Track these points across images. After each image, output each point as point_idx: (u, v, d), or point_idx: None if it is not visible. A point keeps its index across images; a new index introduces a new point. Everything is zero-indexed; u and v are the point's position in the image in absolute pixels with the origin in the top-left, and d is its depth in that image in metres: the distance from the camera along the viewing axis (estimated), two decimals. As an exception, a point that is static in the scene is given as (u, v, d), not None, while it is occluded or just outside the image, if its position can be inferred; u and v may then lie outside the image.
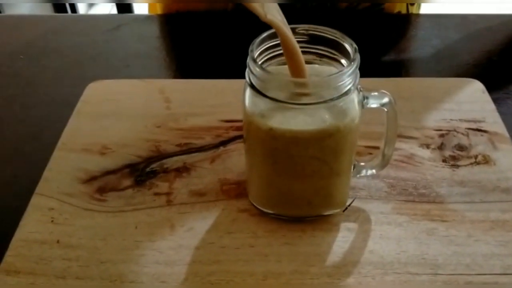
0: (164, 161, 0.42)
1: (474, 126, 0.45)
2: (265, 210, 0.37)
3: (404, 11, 0.66)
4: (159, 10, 0.68)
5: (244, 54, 0.32)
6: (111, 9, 1.96)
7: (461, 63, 0.56)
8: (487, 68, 0.55)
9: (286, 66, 0.33)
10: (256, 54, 0.32)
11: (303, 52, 0.32)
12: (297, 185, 0.35)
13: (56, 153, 0.43)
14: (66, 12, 1.68)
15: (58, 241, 0.36)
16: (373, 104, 0.34)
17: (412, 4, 0.65)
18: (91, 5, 2.01)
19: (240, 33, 0.59)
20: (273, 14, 0.29)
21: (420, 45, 0.60)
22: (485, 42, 0.59)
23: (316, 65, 0.34)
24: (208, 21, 0.63)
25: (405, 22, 0.63)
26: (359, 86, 0.33)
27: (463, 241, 0.36)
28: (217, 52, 0.58)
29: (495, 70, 0.55)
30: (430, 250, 0.35)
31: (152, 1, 0.68)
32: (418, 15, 0.66)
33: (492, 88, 0.49)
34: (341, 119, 0.32)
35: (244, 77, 0.33)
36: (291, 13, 0.61)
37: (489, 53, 0.58)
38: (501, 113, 0.46)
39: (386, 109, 0.35)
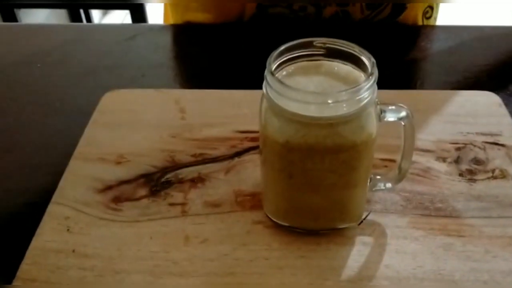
0: (179, 171, 0.43)
1: (491, 139, 0.45)
2: (280, 223, 0.37)
3: (419, 23, 0.65)
4: (172, 20, 0.69)
5: (259, 64, 0.32)
6: (125, 17, 1.98)
7: (477, 76, 0.55)
8: (504, 81, 0.55)
9: (304, 79, 0.33)
10: (274, 67, 0.32)
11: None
12: (312, 198, 0.35)
13: (72, 162, 0.44)
14: (81, 20, 1.70)
15: (73, 250, 0.37)
16: (390, 117, 0.34)
17: (428, 18, 0.65)
18: (105, 13, 2.03)
19: (255, 43, 0.60)
20: None
21: (436, 57, 0.59)
22: (502, 54, 0.59)
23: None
24: (224, 32, 0.63)
25: (420, 33, 0.63)
26: (376, 100, 0.33)
27: (481, 257, 0.35)
28: (232, 62, 0.59)
29: (512, 83, 0.54)
30: (447, 266, 0.35)
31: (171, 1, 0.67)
32: (433, 26, 0.66)
33: (508, 101, 0.49)
34: (358, 133, 0.32)
35: (259, 88, 0.33)
36: (306, 25, 0.61)
37: (505, 65, 0.57)
38: (518, 127, 0.46)
39: (403, 123, 0.34)
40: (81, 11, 1.69)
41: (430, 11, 0.65)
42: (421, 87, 0.55)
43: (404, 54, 0.59)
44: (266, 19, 0.62)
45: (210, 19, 0.64)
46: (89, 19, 1.74)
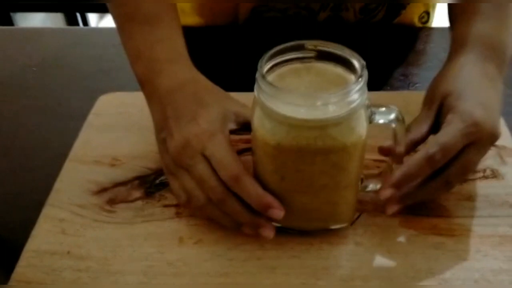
0: (173, 173, 0.43)
1: (482, 140, 0.45)
2: (273, 223, 0.38)
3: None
4: None
5: (253, 67, 0.32)
6: (122, 20, 1.97)
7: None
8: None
9: (295, 81, 0.33)
10: (265, 70, 0.32)
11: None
12: (305, 199, 0.35)
13: (67, 165, 0.44)
14: (78, 23, 1.70)
15: (68, 252, 0.37)
16: (380, 120, 0.34)
17: (424, 23, 0.65)
18: (101, 16, 2.03)
19: (249, 46, 0.60)
20: None
21: (429, 59, 0.60)
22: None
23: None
24: (218, 34, 0.64)
25: (415, 35, 0.64)
26: (367, 102, 0.33)
27: (472, 256, 0.36)
28: (226, 65, 0.59)
29: (503, 84, 0.55)
30: (438, 265, 0.35)
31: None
32: (428, 28, 0.66)
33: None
34: (348, 135, 0.32)
35: (252, 90, 0.33)
36: (301, 26, 0.62)
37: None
38: (510, 127, 0.46)
39: (393, 125, 0.35)
40: (78, 14, 1.69)
41: (426, 16, 0.65)
42: (414, 88, 0.55)
43: (399, 56, 0.59)
44: (260, 22, 0.62)
45: (202, 23, 0.64)
46: (85, 22, 1.74)
